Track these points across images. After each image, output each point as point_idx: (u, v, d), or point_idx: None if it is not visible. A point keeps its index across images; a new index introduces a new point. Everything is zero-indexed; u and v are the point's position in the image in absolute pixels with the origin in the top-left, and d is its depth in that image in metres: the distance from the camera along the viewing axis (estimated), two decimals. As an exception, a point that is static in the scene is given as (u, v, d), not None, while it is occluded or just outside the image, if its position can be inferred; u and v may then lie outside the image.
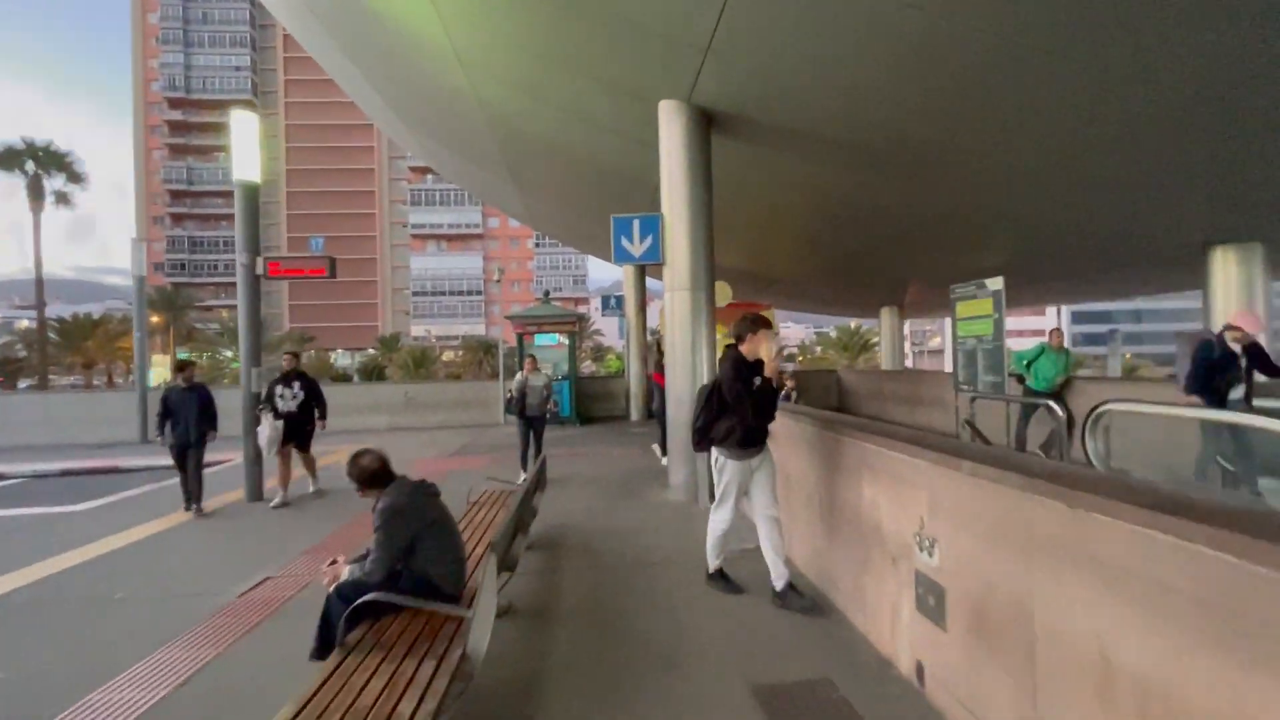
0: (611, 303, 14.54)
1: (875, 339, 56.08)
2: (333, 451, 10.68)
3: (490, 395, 14.37)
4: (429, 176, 72.20)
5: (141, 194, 66.96)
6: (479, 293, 71.91)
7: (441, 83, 8.30)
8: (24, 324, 43.47)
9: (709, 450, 3.65)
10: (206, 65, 66.97)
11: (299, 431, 7.20)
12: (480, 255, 72.34)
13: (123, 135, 67.91)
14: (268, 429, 6.81)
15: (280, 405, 7.03)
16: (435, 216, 71.09)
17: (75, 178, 22.00)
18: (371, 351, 56.03)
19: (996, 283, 7.81)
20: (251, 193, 7.27)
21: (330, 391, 14.48)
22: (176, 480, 6.86)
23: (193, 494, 6.54)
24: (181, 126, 67.27)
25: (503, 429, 13.25)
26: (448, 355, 62.97)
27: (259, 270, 7.27)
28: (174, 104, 66.57)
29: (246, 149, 7.30)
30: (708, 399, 3.53)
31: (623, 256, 6.65)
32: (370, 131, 70.31)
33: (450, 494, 5.76)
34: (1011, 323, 8.13)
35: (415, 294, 70.42)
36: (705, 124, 6.43)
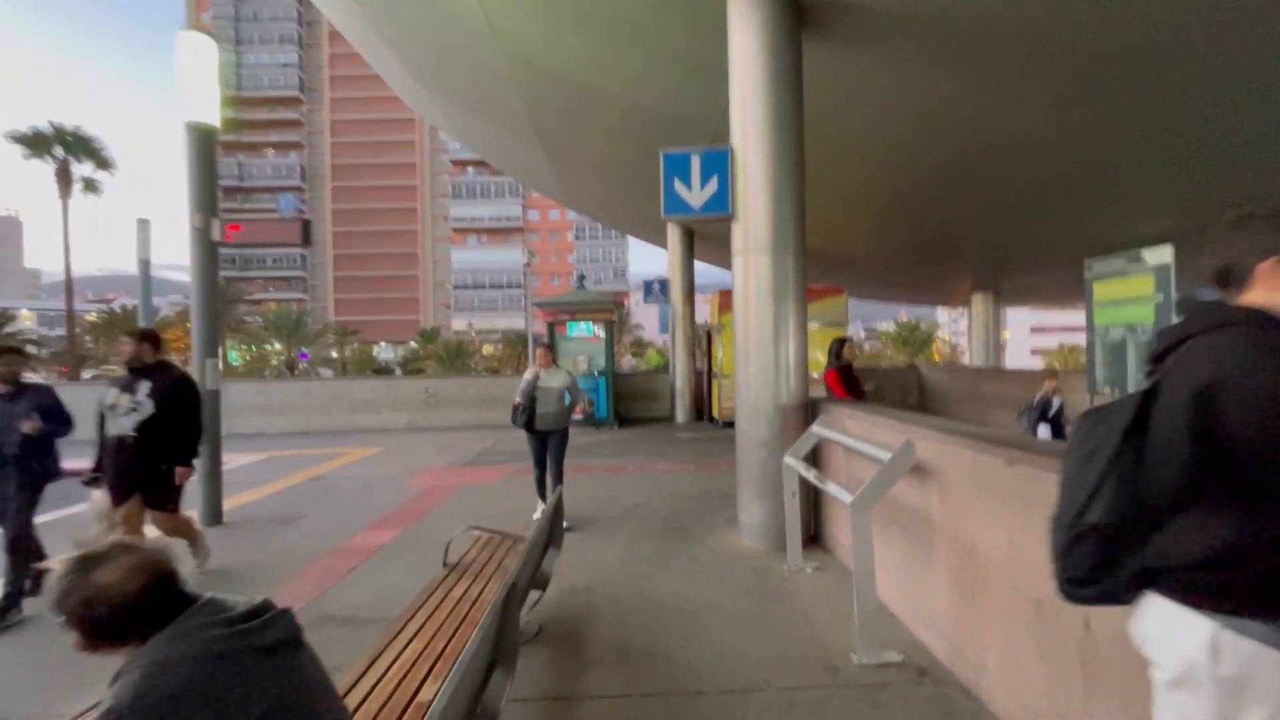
0: (654, 289, 12.75)
1: (937, 333, 52.56)
2: (340, 455, 9.28)
3: (508, 392, 12.77)
4: (470, 169, 71.86)
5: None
6: (519, 285, 71.17)
7: (454, 19, 6.64)
8: (92, 316, 44.50)
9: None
10: (256, 63, 68.15)
11: (146, 475, 3.87)
12: (520, 248, 71.55)
13: (178, 134, 69.73)
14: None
15: (111, 427, 3.84)
16: (476, 210, 70.67)
17: (104, 164, 21.57)
18: (413, 345, 55.86)
19: (1161, 253, 5.62)
20: (205, 139, 5.78)
21: (347, 387, 13.39)
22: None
23: (13, 586, 3.57)
24: (232, 124, 68.63)
25: (531, 431, 11.67)
26: (488, 349, 62.51)
27: (215, 235, 5.77)
28: (225, 102, 67.89)
29: (200, 83, 5.81)
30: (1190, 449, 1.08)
31: (676, 206, 4.83)
32: (412, 125, 70.34)
33: (432, 538, 3.88)
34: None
35: (456, 287, 70.24)
36: (794, 16, 4.54)
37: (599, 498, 6.54)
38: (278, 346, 35.57)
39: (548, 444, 5.84)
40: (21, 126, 21.16)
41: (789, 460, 4.07)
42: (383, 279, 70.27)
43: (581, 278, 12.18)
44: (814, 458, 4.26)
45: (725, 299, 11.30)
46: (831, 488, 3.34)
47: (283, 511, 6.13)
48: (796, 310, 4.54)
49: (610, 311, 11.53)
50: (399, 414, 12.67)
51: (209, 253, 5.76)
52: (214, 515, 5.67)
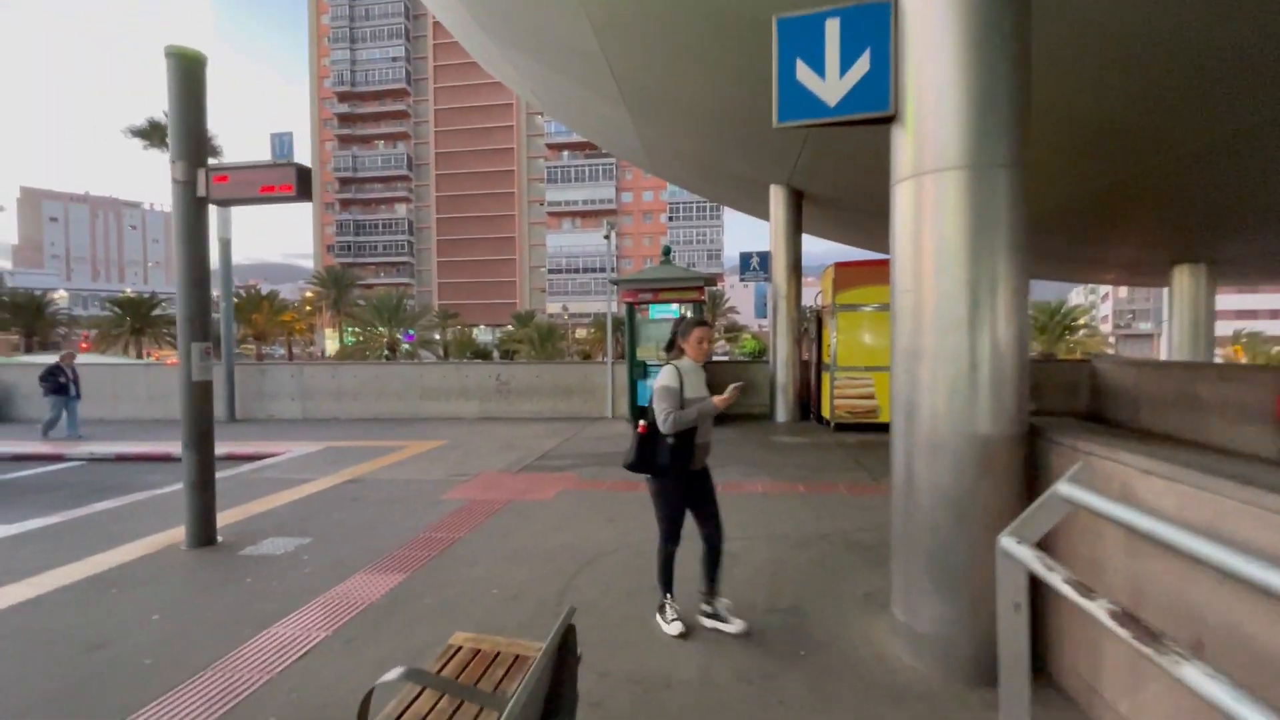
0: (753, 263, 10.81)
1: (1083, 320, 45.71)
2: (397, 449, 8.31)
3: (596, 381, 11.42)
4: (565, 153, 71.94)
5: (316, 182, 73.88)
6: (612, 269, 70.62)
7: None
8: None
9: None
10: (368, 59, 71.76)
11: None
12: (615, 236, 70.78)
13: (302, 132, 75.38)
14: None
15: None
16: (570, 193, 70.74)
17: (213, 153, 22.67)
18: (510, 328, 56.93)
19: None
20: (190, 69, 4.65)
21: (417, 373, 12.52)
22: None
23: None
24: (348, 118, 73.00)
25: (609, 425, 10.23)
26: (580, 332, 62.61)
27: (201, 190, 4.67)
28: (342, 98, 72.30)
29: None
30: None
31: (798, 106, 3.00)
32: (510, 110, 71.34)
33: (438, 600, 3.58)
34: None
35: (551, 271, 70.95)
36: None
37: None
38: (380, 329, 36.94)
39: (703, 491, 3.36)
40: (138, 120, 22.65)
41: (1011, 547, 2.20)
42: (482, 263, 72.35)
43: (667, 250, 10.50)
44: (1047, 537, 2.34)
45: (844, 273, 9.20)
46: (1138, 644, 1.47)
47: (292, 527, 5.03)
48: (1012, 266, 2.62)
49: (699, 290, 9.80)
50: (470, 402, 11.72)
51: (194, 211, 4.67)
52: (203, 534, 4.63)
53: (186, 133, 4.60)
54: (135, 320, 36.69)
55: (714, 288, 9.47)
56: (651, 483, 3.16)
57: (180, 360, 4.68)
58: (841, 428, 9.28)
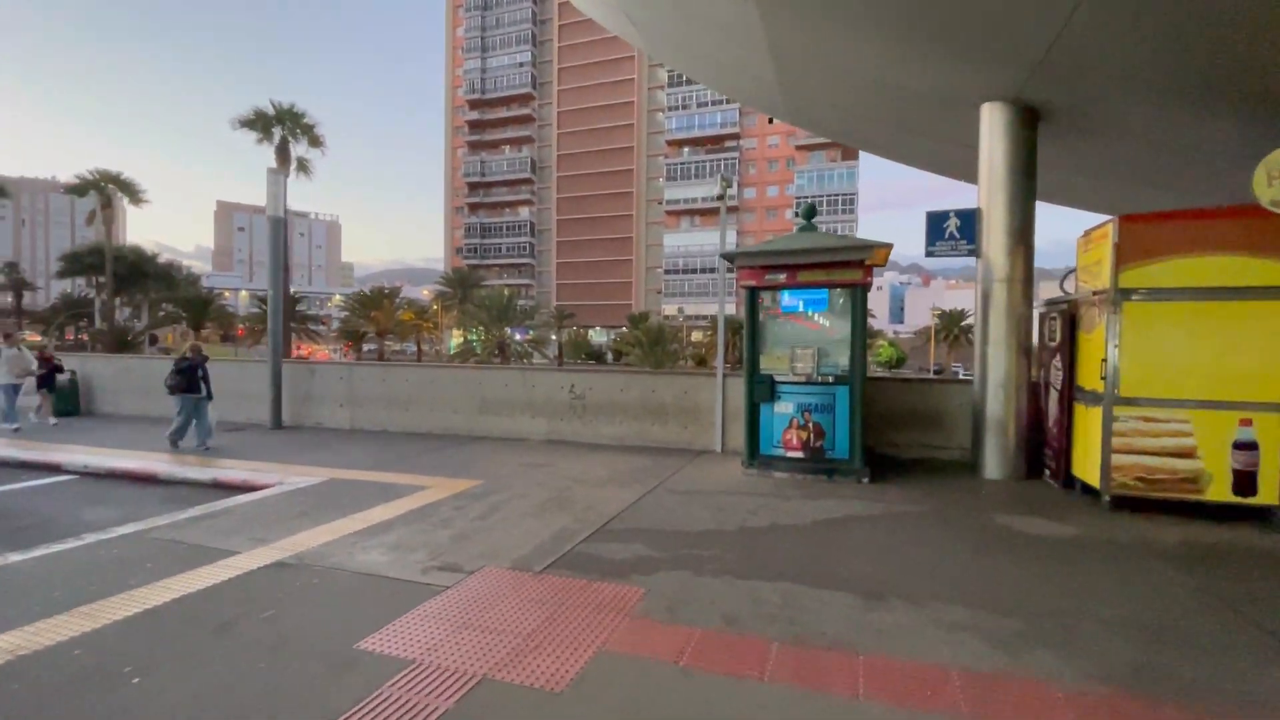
0: (948, 229, 6.98)
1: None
2: (410, 492, 5.53)
3: (701, 399, 8.21)
4: (685, 149, 69.29)
5: (448, 188, 77.57)
6: (729, 271, 66.71)
7: None
8: (337, 299, 51.05)
9: None
10: (497, 66, 73.94)
11: None
12: (734, 230, 67.00)
13: (438, 141, 79.45)
14: None
15: None
16: (689, 191, 67.89)
17: (315, 141, 22.59)
18: (624, 330, 55.25)
19: None
20: None
21: (476, 380, 9.20)
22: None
23: None
24: (478, 125, 75.73)
25: (716, 466, 6.97)
26: (696, 335, 59.51)
27: None
28: (473, 105, 75.12)
29: None
30: None
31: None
32: (631, 108, 70.05)
33: None
34: None
35: (667, 272, 68.55)
36: None
37: None
38: (482, 328, 36.31)
39: None
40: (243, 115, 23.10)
41: None
42: (599, 264, 71.69)
43: (810, 209, 7.02)
44: None
45: (1140, 231, 5.23)
46: None
47: (102, 672, 2.38)
48: None
49: (861, 267, 6.25)
50: (536, 420, 9.01)
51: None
52: None
53: None
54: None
55: (879, 266, 5.74)
56: None
57: None
58: (1124, 504, 5.30)
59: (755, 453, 6.69)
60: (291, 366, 10.57)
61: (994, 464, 6.58)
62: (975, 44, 5.77)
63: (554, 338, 57.30)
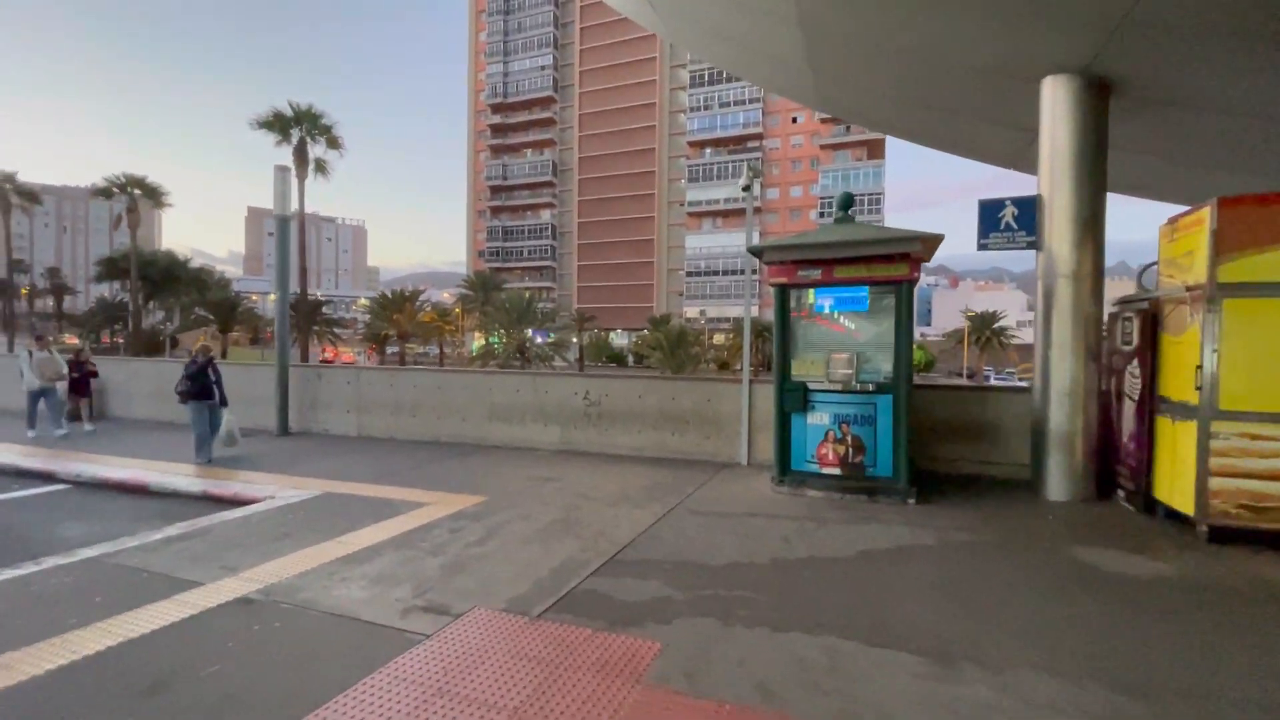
0: (1004, 219, 6.23)
1: None
2: (409, 508, 4.89)
3: (724, 408, 7.58)
4: (707, 150, 68.59)
5: (470, 192, 77.99)
6: (755, 271, 65.66)
7: None
8: (363, 301, 51.06)
9: None
10: (519, 70, 74.15)
11: None
12: (758, 231, 66.05)
13: (460, 146, 79.94)
14: None
15: None
16: (711, 192, 67.15)
17: (333, 143, 22.50)
18: (645, 332, 54.71)
19: None
20: None
21: (485, 385, 8.43)
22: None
23: None
24: (500, 129, 76.00)
25: (742, 481, 6.33)
26: (718, 338, 58.64)
27: None
28: (495, 109, 75.42)
29: None
30: None
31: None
32: (653, 110, 69.61)
33: None
34: None
35: (689, 274, 67.85)
36: None
37: None
38: (503, 330, 36.05)
39: None
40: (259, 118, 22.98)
41: None
42: (620, 266, 71.31)
43: (847, 200, 6.34)
44: None
45: (1242, 215, 4.46)
46: None
47: None
48: None
49: (907, 261, 5.56)
50: (549, 428, 8.47)
51: None
52: None
53: None
54: (303, 319, 39.37)
55: (926, 261, 5.03)
56: None
57: None
58: (1225, 535, 4.53)
59: (786, 468, 6.04)
60: (299, 371, 10.20)
61: (1058, 483, 5.83)
62: (1044, 6, 5.06)
63: (575, 340, 57.01)
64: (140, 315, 36.94)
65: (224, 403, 7.89)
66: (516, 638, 3.09)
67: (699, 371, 38.13)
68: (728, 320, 62.54)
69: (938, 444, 6.85)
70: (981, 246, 6.33)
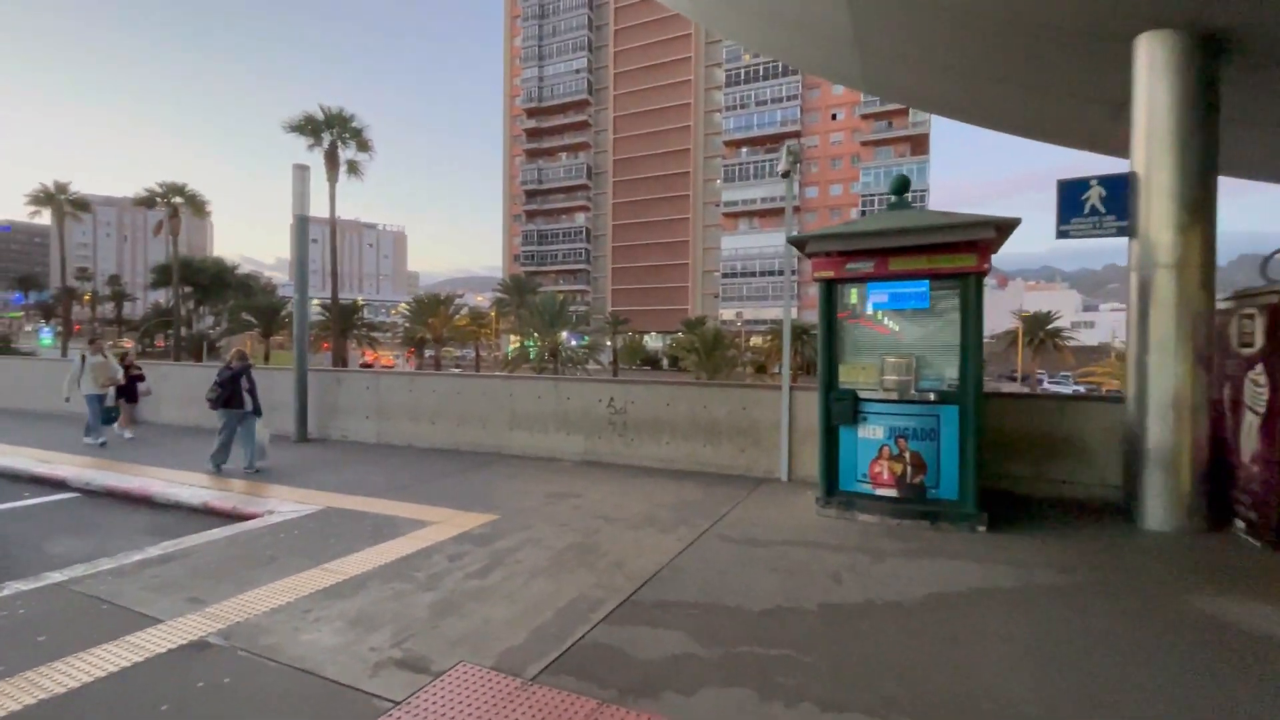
0: (1087, 201, 5.37)
1: None
2: (413, 528, 4.34)
3: (762, 416, 6.87)
4: (743, 149, 67.49)
5: (506, 196, 78.68)
6: (793, 272, 64.17)
7: None
8: (402, 306, 51.80)
9: None
10: (554, 74, 74.47)
11: None
12: (796, 230, 64.44)
13: (496, 151, 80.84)
14: None
15: None
16: (748, 192, 65.98)
17: (364, 146, 22.57)
18: (680, 335, 54.00)
19: None
20: None
21: (506, 390, 8.21)
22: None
23: None
24: (534, 133, 76.45)
25: (782, 502, 5.63)
26: (755, 340, 57.44)
27: None
28: (530, 114, 75.91)
29: None
30: None
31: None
32: (688, 110, 68.92)
33: None
34: None
35: (724, 276, 66.79)
36: None
37: None
38: (536, 337, 35.87)
39: None
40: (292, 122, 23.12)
41: None
42: (655, 269, 70.77)
43: (902, 182, 5.58)
44: None
45: None
46: None
47: None
48: None
49: (975, 250, 4.79)
50: (572, 437, 7.91)
51: None
52: None
53: None
54: (341, 322, 40.05)
55: (995, 253, 4.23)
56: None
57: None
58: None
59: (833, 488, 5.31)
60: (317, 375, 9.92)
61: (1159, 510, 4.94)
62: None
63: (608, 343, 56.69)
64: (187, 320, 38.15)
65: (257, 412, 7.42)
66: (503, 709, 2.50)
67: (734, 375, 37.16)
68: (764, 322, 61.31)
69: (1008, 459, 6.01)
70: (1061, 234, 5.48)
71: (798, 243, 5.48)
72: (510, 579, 3.91)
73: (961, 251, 4.85)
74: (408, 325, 46.83)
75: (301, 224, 9.80)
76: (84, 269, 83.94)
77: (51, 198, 36.71)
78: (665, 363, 61.06)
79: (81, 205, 39.25)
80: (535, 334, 37.37)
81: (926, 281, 5.07)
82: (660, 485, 6.45)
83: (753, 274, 65.92)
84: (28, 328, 79.81)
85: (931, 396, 4.98)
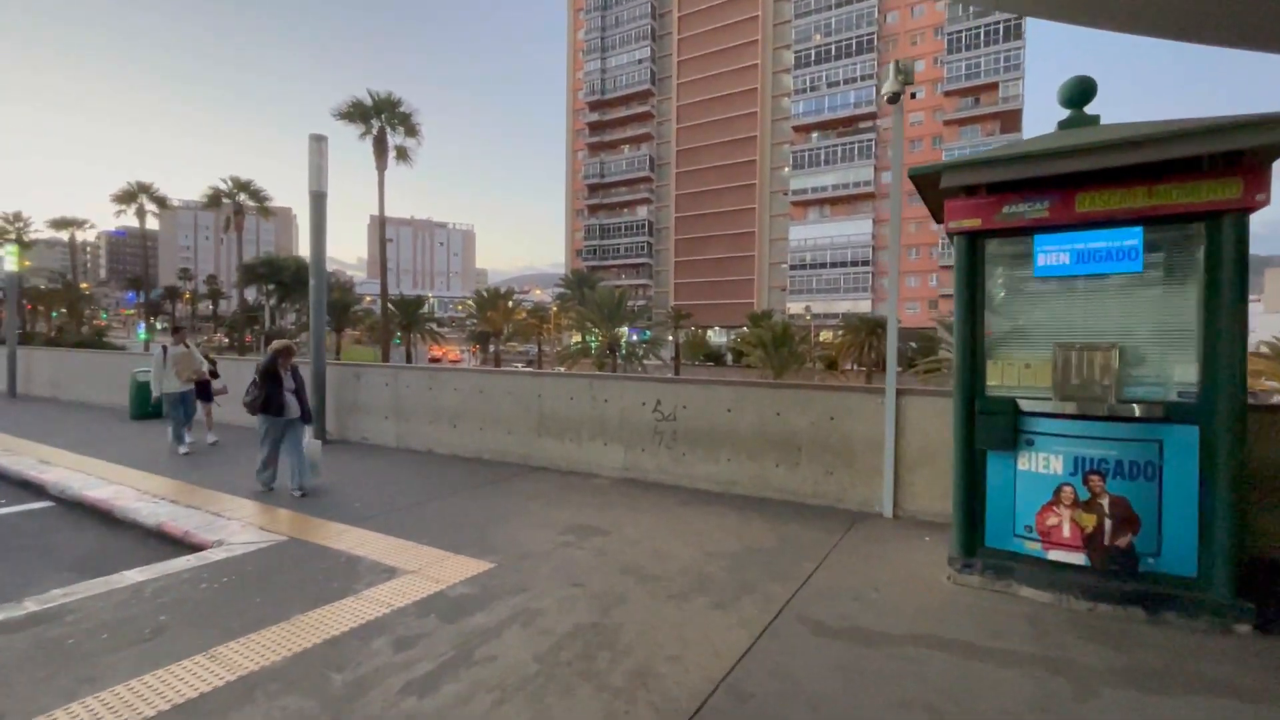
0: None
1: None
2: (387, 576, 2.98)
3: (854, 429, 5.12)
4: (814, 134, 64.04)
5: (569, 191, 78.41)
6: (865, 263, 60.42)
7: None
8: (471, 301, 51.92)
9: None
10: (616, 65, 73.33)
11: None
12: (869, 219, 60.61)
13: (559, 145, 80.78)
14: None
15: None
16: (818, 179, 62.46)
17: (411, 131, 21.92)
18: (744, 329, 51.78)
19: None
20: None
21: (534, 389, 5.07)
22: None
23: None
24: (597, 126, 75.65)
25: (891, 554, 3.90)
26: (825, 335, 54.30)
27: None
28: (593, 107, 75.16)
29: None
30: None
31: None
32: (754, 96, 66.15)
33: None
34: None
35: (792, 268, 63.64)
36: None
37: None
38: (596, 332, 34.77)
39: None
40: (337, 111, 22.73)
41: None
42: (719, 261, 68.52)
43: (1087, 89, 3.75)
44: None
45: None
46: None
47: None
48: None
49: (1234, 174, 2.94)
50: (611, 448, 6.42)
51: None
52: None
53: None
54: (405, 317, 40.51)
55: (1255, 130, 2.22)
56: None
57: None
58: None
59: (977, 543, 3.55)
60: (337, 371, 8.92)
61: None
62: None
63: (670, 338, 55.15)
64: (271, 316, 39.59)
65: (306, 419, 5.93)
66: None
67: (802, 373, 34.56)
68: (835, 316, 57.94)
69: (1265, 511, 4.00)
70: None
71: (927, 175, 3.70)
72: (467, 702, 2.45)
73: (1212, 176, 2.97)
74: (472, 321, 47.12)
75: (317, 201, 8.78)
76: (185, 269, 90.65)
77: (134, 196, 39.17)
78: (729, 358, 58.89)
79: (160, 202, 41.58)
80: (594, 329, 36.31)
81: (1139, 229, 3.21)
82: (717, 519, 4.85)
83: (822, 265, 62.47)
84: (141, 325, 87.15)
85: (1150, 411, 3.13)
